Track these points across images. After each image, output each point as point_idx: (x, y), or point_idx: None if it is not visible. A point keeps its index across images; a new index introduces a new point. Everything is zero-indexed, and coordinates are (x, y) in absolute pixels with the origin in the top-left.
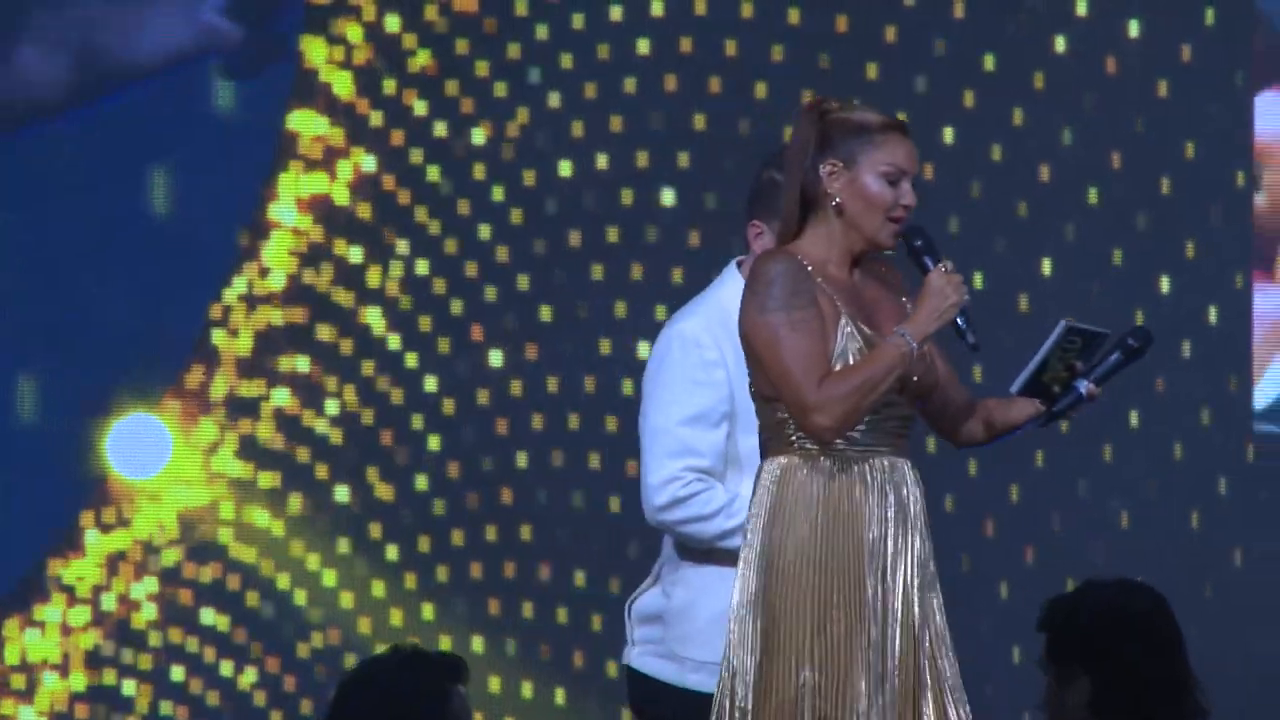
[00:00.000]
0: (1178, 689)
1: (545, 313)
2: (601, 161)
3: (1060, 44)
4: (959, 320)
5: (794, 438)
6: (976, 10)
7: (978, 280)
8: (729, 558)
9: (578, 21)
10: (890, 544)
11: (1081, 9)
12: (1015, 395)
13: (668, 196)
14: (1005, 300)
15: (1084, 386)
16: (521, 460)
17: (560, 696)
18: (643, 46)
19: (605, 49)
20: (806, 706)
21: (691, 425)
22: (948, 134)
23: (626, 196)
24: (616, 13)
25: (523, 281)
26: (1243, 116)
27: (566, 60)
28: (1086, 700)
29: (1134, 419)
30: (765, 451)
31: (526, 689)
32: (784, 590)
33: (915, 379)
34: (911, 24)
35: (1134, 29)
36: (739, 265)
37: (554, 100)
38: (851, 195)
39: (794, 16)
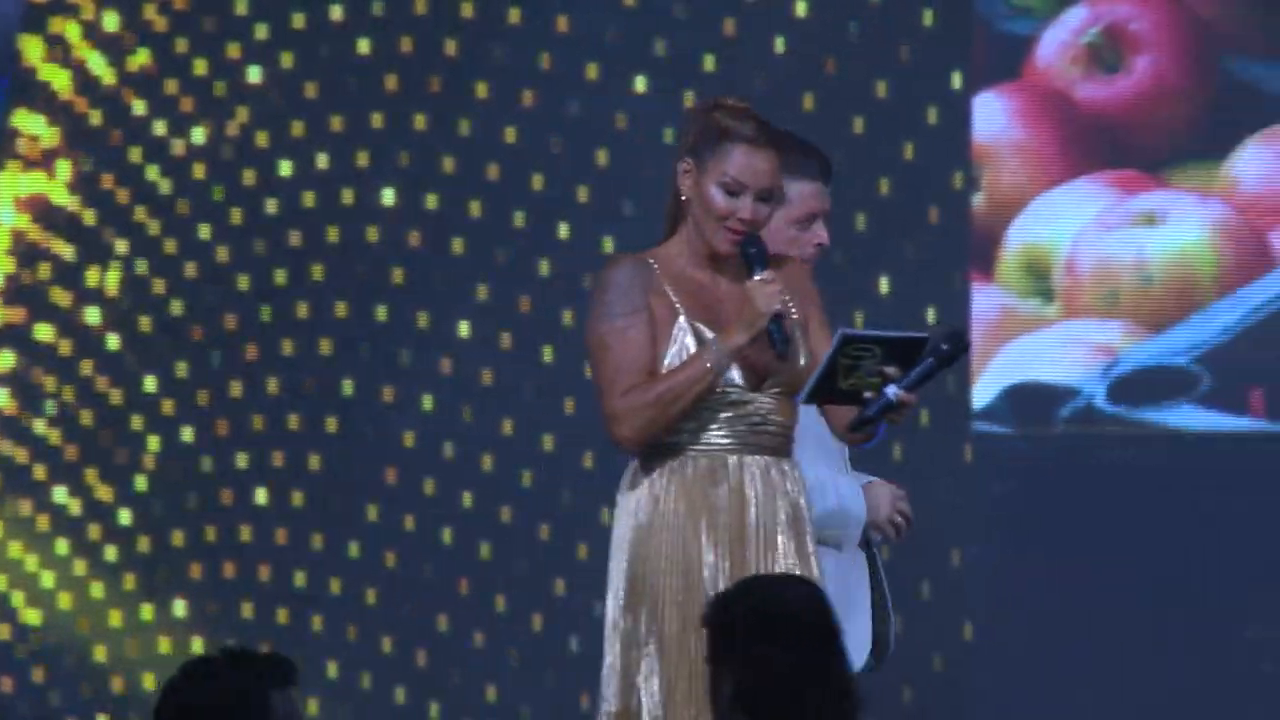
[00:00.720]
0: (819, 686)
1: (265, 313)
2: (322, 161)
3: (780, 44)
4: (772, 329)
5: None
6: (696, 11)
7: None
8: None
9: (298, 21)
10: (745, 542)
11: (801, 10)
12: (803, 403)
13: (388, 196)
14: None
15: (893, 392)
16: (241, 461)
17: None
18: (363, 46)
19: (326, 48)
20: (644, 710)
21: None
22: (668, 134)
23: (346, 196)
24: (337, 12)
25: (243, 281)
26: (961, 117)
27: (287, 59)
28: (731, 695)
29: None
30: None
31: None
32: (631, 590)
33: (769, 379)
34: (632, 25)
35: (853, 30)
36: None
37: (274, 99)
38: (696, 197)
39: (514, 16)
